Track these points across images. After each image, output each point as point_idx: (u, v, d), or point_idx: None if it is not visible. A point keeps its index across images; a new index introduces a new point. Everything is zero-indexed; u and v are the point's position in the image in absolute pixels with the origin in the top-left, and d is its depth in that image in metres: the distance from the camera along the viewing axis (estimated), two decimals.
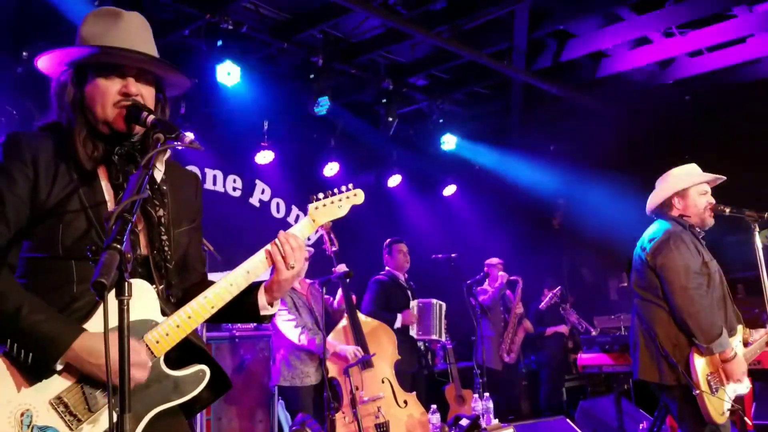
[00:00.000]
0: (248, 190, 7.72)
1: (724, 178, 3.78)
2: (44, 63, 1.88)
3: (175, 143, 1.71)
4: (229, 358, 5.53)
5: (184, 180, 2.08)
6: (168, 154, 1.84)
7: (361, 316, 5.20)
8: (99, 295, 1.37)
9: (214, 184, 7.36)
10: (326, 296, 5.28)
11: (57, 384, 1.70)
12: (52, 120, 1.89)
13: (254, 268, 1.93)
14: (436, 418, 5.14)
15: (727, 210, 3.67)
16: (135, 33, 1.89)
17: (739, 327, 3.71)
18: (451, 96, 8.18)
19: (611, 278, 9.25)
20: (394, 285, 6.14)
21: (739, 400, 3.65)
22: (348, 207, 2.16)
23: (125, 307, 1.43)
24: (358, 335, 4.99)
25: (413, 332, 5.95)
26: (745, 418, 4.43)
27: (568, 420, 5.37)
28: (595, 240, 8.23)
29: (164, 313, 1.83)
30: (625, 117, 8.13)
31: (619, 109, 8.05)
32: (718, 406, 3.48)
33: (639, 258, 3.74)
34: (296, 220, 7.75)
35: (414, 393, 5.11)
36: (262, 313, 1.99)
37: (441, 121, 8.00)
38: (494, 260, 7.49)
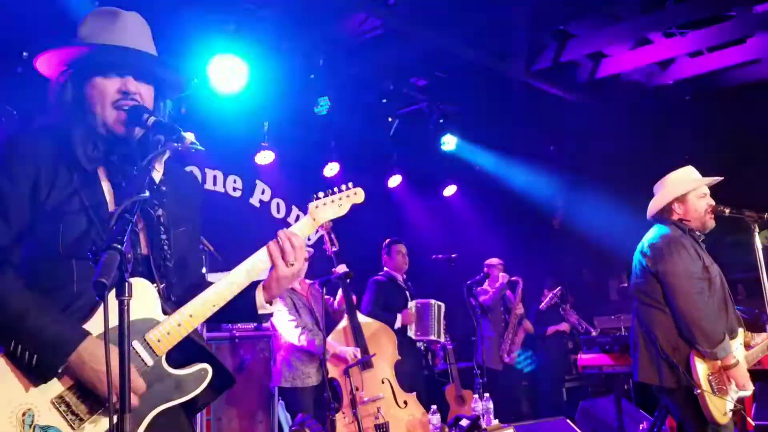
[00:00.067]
0: (248, 190, 7.72)
1: (721, 179, 3.78)
2: (43, 63, 1.89)
3: (176, 144, 1.71)
4: (229, 358, 5.53)
5: (183, 181, 2.09)
6: (167, 154, 1.84)
7: (361, 317, 5.20)
8: (99, 295, 1.37)
9: (215, 184, 7.36)
10: (327, 297, 5.28)
11: (59, 383, 1.71)
12: (52, 121, 1.89)
13: (255, 266, 1.93)
14: (436, 418, 5.14)
15: (727, 211, 3.67)
16: (134, 32, 1.90)
17: (740, 330, 3.71)
18: (452, 97, 8.18)
19: (611, 279, 9.25)
20: (393, 285, 6.13)
21: (740, 400, 3.65)
22: (348, 205, 2.16)
23: (125, 308, 1.43)
24: (358, 336, 4.99)
25: (411, 333, 5.93)
26: (748, 418, 4.43)
27: (568, 420, 5.37)
28: (595, 240, 8.23)
29: (165, 312, 1.83)
30: (625, 117, 8.13)
31: (619, 109, 8.05)
32: (721, 405, 3.47)
33: (639, 263, 3.74)
34: (296, 220, 7.72)
35: (414, 393, 5.11)
36: (260, 311, 1.99)
37: (441, 121, 8.00)
38: (494, 260, 7.48)
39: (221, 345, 5.51)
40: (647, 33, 6.88)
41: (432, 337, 6.04)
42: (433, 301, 6.08)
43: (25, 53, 5.10)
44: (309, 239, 7.77)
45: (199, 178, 7.11)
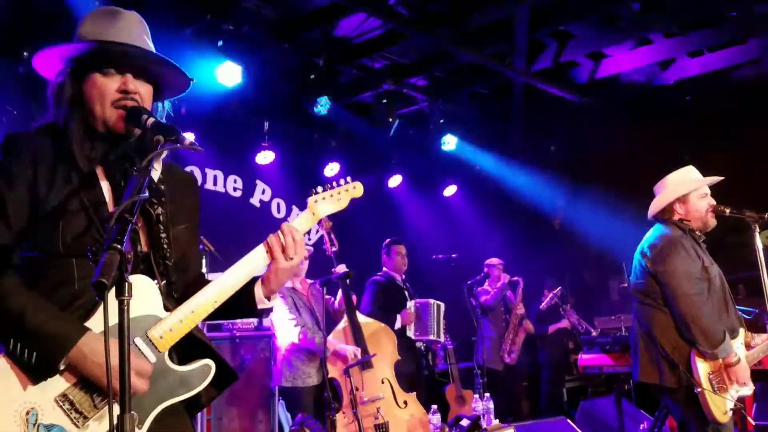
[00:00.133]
0: (249, 190, 7.73)
1: (722, 178, 3.78)
2: (42, 61, 1.88)
3: (175, 145, 1.71)
4: (230, 358, 5.53)
5: (181, 179, 2.08)
6: (165, 154, 1.85)
7: (361, 317, 5.19)
8: (99, 295, 1.37)
9: (215, 184, 7.36)
10: (328, 297, 5.28)
11: (62, 381, 1.70)
12: (49, 120, 1.89)
13: (255, 261, 1.94)
14: (436, 418, 5.15)
15: (728, 210, 3.67)
16: (133, 31, 1.90)
17: (741, 330, 3.71)
18: (452, 97, 8.18)
19: (612, 279, 9.25)
20: (391, 286, 6.11)
21: (740, 399, 3.65)
22: (347, 200, 2.16)
23: (125, 308, 1.43)
24: (357, 336, 4.99)
25: (410, 333, 5.91)
26: (748, 417, 4.43)
27: (568, 420, 5.37)
28: (595, 240, 8.23)
29: (167, 309, 1.83)
30: (625, 117, 8.13)
31: (619, 109, 8.05)
32: (721, 405, 3.47)
33: (639, 263, 3.74)
34: None
35: (414, 393, 5.11)
36: (260, 306, 1.99)
37: (441, 121, 8.00)
38: (494, 260, 7.48)
39: (221, 345, 5.51)
40: (647, 33, 6.88)
41: (431, 337, 6.02)
42: (432, 301, 6.06)
43: (25, 53, 5.11)
44: (309, 239, 7.78)
45: (200, 178, 7.11)
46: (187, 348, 1.90)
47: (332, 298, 5.45)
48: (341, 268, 4.99)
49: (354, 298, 5.35)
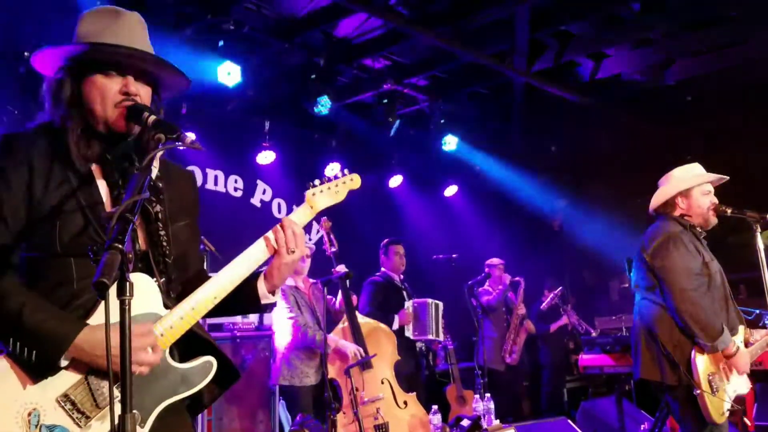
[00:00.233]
0: (249, 190, 7.73)
1: (727, 178, 3.78)
2: (41, 60, 1.87)
3: (176, 143, 1.71)
4: (231, 358, 5.52)
5: (179, 177, 2.08)
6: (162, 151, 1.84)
7: (360, 318, 5.19)
8: (100, 295, 1.37)
9: (216, 184, 7.36)
10: (329, 297, 5.28)
11: (63, 382, 1.70)
12: (45, 120, 1.89)
13: (255, 256, 1.93)
14: (437, 418, 5.14)
15: (729, 210, 3.67)
16: (134, 32, 1.89)
17: (741, 327, 3.71)
18: (453, 97, 8.18)
19: (612, 279, 9.25)
20: (389, 286, 6.10)
21: (740, 400, 3.65)
22: (345, 192, 2.16)
23: (126, 307, 1.43)
24: (357, 336, 4.98)
25: (409, 333, 5.89)
26: (745, 419, 4.44)
27: (569, 421, 5.37)
28: (596, 241, 8.23)
29: (167, 306, 1.83)
30: (626, 117, 8.12)
31: (619, 109, 8.05)
32: (719, 406, 3.48)
33: (640, 258, 3.74)
34: None
35: (414, 393, 5.10)
36: (263, 301, 1.99)
37: (442, 121, 8.00)
38: (495, 261, 7.48)
39: (222, 345, 5.48)
40: (647, 33, 6.88)
41: (430, 337, 6.01)
42: (430, 301, 6.03)
43: (26, 53, 5.11)
44: (309, 238, 7.78)
45: (200, 178, 7.11)
46: (189, 345, 1.90)
47: (333, 298, 5.44)
48: (341, 269, 4.98)
49: (354, 298, 5.35)
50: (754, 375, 3.70)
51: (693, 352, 3.49)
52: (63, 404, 1.69)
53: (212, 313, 1.89)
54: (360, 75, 7.20)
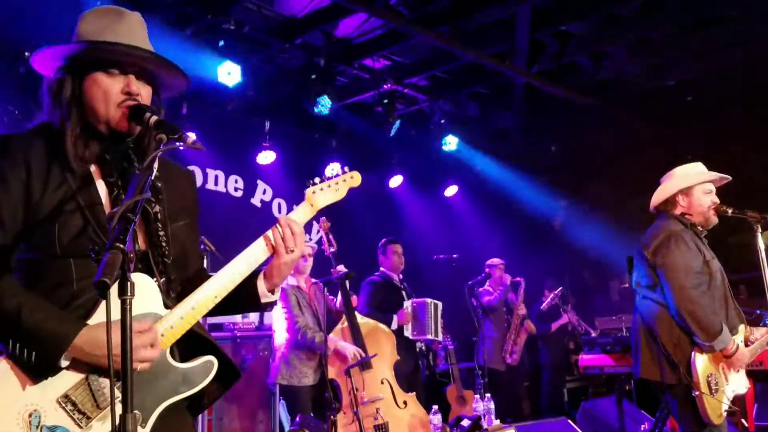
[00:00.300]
0: (250, 190, 7.73)
1: (730, 178, 3.78)
2: (42, 60, 1.86)
3: (178, 144, 1.70)
4: (231, 358, 5.52)
5: (179, 176, 2.07)
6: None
7: (360, 318, 5.18)
8: (102, 294, 1.37)
9: (216, 184, 7.36)
10: (331, 297, 5.28)
11: (63, 382, 1.70)
12: (43, 121, 1.88)
13: (254, 255, 1.93)
14: (437, 418, 5.14)
15: (730, 211, 3.67)
16: (134, 32, 1.89)
17: (741, 326, 3.71)
18: (453, 97, 8.18)
19: (612, 279, 9.25)
20: (388, 286, 6.09)
21: (739, 401, 3.66)
22: (346, 189, 2.16)
23: (128, 307, 1.43)
24: (356, 336, 4.98)
25: (408, 332, 5.89)
26: (743, 420, 4.44)
27: (569, 421, 5.37)
28: (596, 241, 8.23)
29: (167, 306, 1.82)
30: (627, 117, 8.12)
31: (620, 109, 8.04)
32: (717, 407, 3.49)
33: (640, 257, 3.73)
34: None
35: (413, 393, 5.10)
36: (263, 300, 1.99)
37: (442, 122, 8.00)
38: (496, 261, 7.48)
39: (222, 344, 5.45)
40: (647, 33, 6.87)
41: (429, 336, 6.00)
42: (429, 300, 6.01)
43: (26, 53, 5.11)
44: (309, 238, 7.78)
45: (201, 178, 7.12)
46: (189, 345, 1.89)
47: (334, 298, 5.45)
48: (341, 269, 4.98)
49: (354, 299, 5.35)
50: (754, 375, 3.70)
51: (693, 352, 3.49)
52: (64, 405, 1.69)
53: (212, 313, 1.89)
54: (360, 75, 7.20)
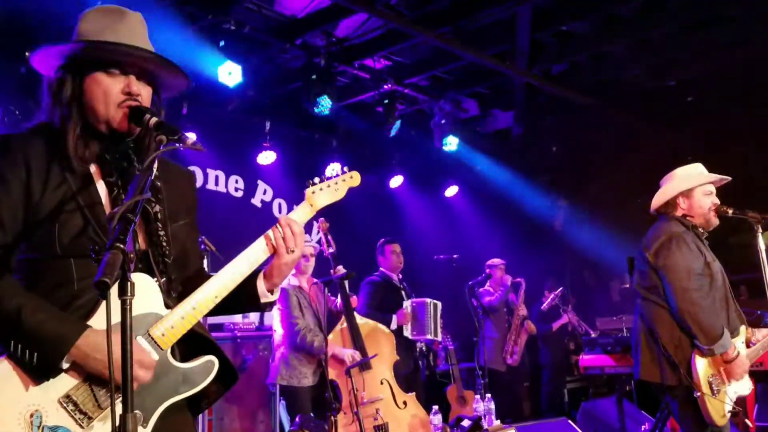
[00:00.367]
0: (250, 190, 7.73)
1: (729, 178, 3.78)
2: (41, 58, 1.85)
3: (177, 145, 1.70)
4: (231, 358, 5.49)
5: (178, 175, 2.07)
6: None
7: (359, 318, 5.18)
8: (102, 294, 1.37)
9: (216, 184, 7.36)
10: (332, 297, 5.28)
11: (65, 382, 1.70)
12: (42, 121, 1.88)
13: (255, 255, 1.93)
14: (437, 419, 5.14)
15: (730, 211, 3.67)
16: (135, 32, 1.88)
17: (742, 328, 3.71)
18: (453, 97, 8.18)
19: (612, 280, 9.25)
20: (387, 286, 6.09)
21: (741, 401, 3.65)
22: (345, 189, 2.16)
23: (128, 307, 1.43)
24: (356, 337, 4.97)
25: (407, 332, 5.89)
26: (747, 420, 4.43)
27: (569, 421, 5.37)
28: (596, 241, 8.22)
29: (167, 306, 1.82)
30: (627, 118, 8.12)
31: (620, 110, 8.04)
32: (719, 408, 3.48)
33: (642, 258, 3.73)
34: None
35: (413, 393, 5.10)
36: (263, 300, 1.99)
37: (443, 122, 8.00)
38: (496, 261, 7.48)
39: (223, 345, 5.46)
40: (647, 33, 6.87)
41: (429, 336, 6.00)
42: (428, 300, 6.01)
43: (27, 53, 5.10)
44: (309, 238, 7.78)
45: (201, 178, 7.12)
46: (190, 345, 1.89)
47: (335, 299, 5.45)
48: (340, 270, 4.98)
49: (354, 299, 5.34)
50: (755, 376, 3.69)
51: (693, 353, 3.49)
52: (65, 405, 1.68)
53: (211, 312, 1.89)
54: (360, 75, 7.20)
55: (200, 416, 4.86)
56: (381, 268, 6.23)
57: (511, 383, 7.48)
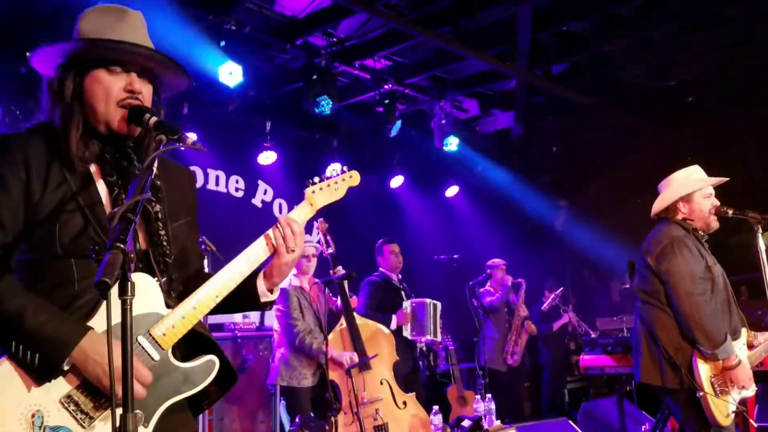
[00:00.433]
0: (250, 190, 7.73)
1: (727, 179, 3.78)
2: (42, 58, 1.85)
3: (177, 144, 1.70)
4: (231, 358, 5.48)
5: (178, 175, 2.07)
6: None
7: (359, 318, 5.18)
8: (102, 294, 1.37)
9: (217, 184, 7.36)
10: (333, 298, 5.28)
11: (66, 382, 1.70)
12: (41, 120, 1.87)
13: (255, 254, 1.93)
14: (438, 419, 5.14)
15: (731, 212, 3.67)
16: (136, 31, 1.88)
17: (744, 330, 3.70)
18: (454, 97, 8.18)
19: (613, 280, 9.25)
20: (387, 286, 6.09)
21: (742, 402, 3.65)
22: (345, 189, 2.16)
23: (128, 307, 1.43)
24: (355, 337, 4.97)
25: (407, 333, 5.89)
26: (750, 420, 4.42)
27: (570, 421, 5.37)
28: (596, 242, 8.22)
29: (168, 306, 1.82)
30: (627, 118, 8.12)
31: (620, 110, 8.04)
32: (723, 408, 3.47)
33: (642, 262, 3.73)
34: None
35: (413, 393, 5.10)
36: (263, 299, 1.99)
37: (443, 122, 8.00)
38: (497, 261, 7.48)
39: (223, 345, 5.46)
40: (648, 33, 6.87)
41: (428, 337, 6.00)
42: (428, 300, 6.01)
43: (27, 53, 5.11)
44: (312, 239, 7.78)
45: (202, 178, 7.12)
46: (191, 344, 1.89)
47: (336, 299, 5.45)
48: (340, 270, 4.98)
49: (354, 299, 5.34)
50: (755, 376, 3.67)
51: (694, 354, 3.49)
52: (66, 405, 1.68)
53: (211, 312, 1.89)
54: (361, 75, 7.20)
55: (200, 416, 4.86)
56: (380, 269, 6.23)
57: (512, 383, 7.48)
